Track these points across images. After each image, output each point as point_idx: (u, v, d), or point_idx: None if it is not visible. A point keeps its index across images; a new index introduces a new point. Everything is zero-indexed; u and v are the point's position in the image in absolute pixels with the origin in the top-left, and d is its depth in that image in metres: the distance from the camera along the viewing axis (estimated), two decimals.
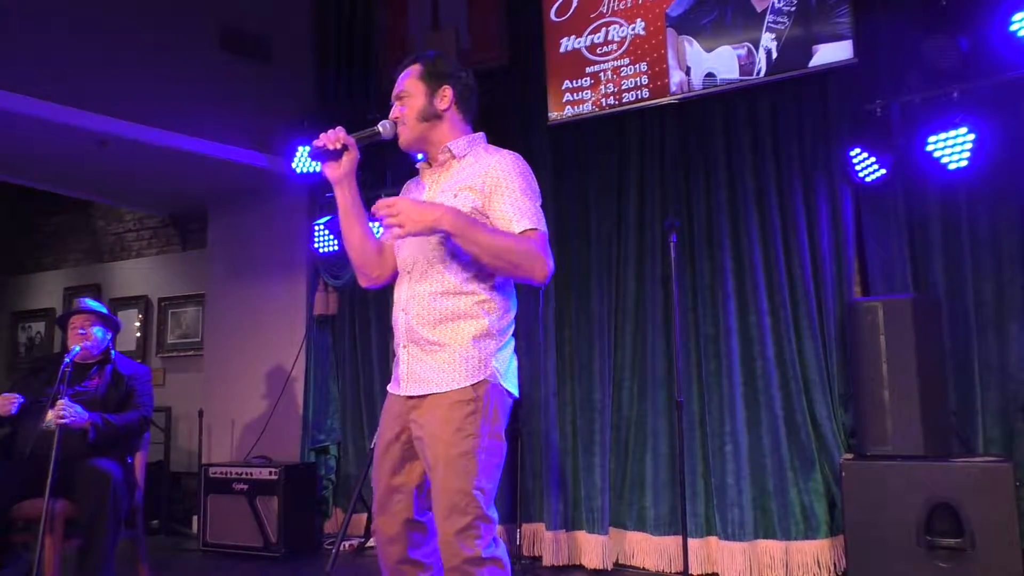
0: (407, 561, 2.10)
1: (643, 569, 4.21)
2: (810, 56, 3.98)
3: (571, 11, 4.67)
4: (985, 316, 3.70)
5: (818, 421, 3.93)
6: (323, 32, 5.73)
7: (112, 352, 3.81)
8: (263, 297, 5.79)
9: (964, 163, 3.58)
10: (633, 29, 4.48)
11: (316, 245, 5.21)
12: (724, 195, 4.26)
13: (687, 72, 4.31)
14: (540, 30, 4.76)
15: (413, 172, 2.38)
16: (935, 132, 3.61)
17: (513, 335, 2.16)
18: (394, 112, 2.20)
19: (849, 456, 3.59)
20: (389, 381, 2.23)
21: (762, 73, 4.10)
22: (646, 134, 4.52)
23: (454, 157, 2.18)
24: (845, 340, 3.85)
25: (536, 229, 2.03)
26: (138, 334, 6.80)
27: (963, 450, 3.60)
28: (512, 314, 2.14)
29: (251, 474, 4.91)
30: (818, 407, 3.94)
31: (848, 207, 4.01)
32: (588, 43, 4.61)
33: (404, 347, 2.13)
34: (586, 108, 4.57)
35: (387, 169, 5.05)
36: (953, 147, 3.57)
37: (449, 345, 2.04)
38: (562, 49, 4.68)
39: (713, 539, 4.07)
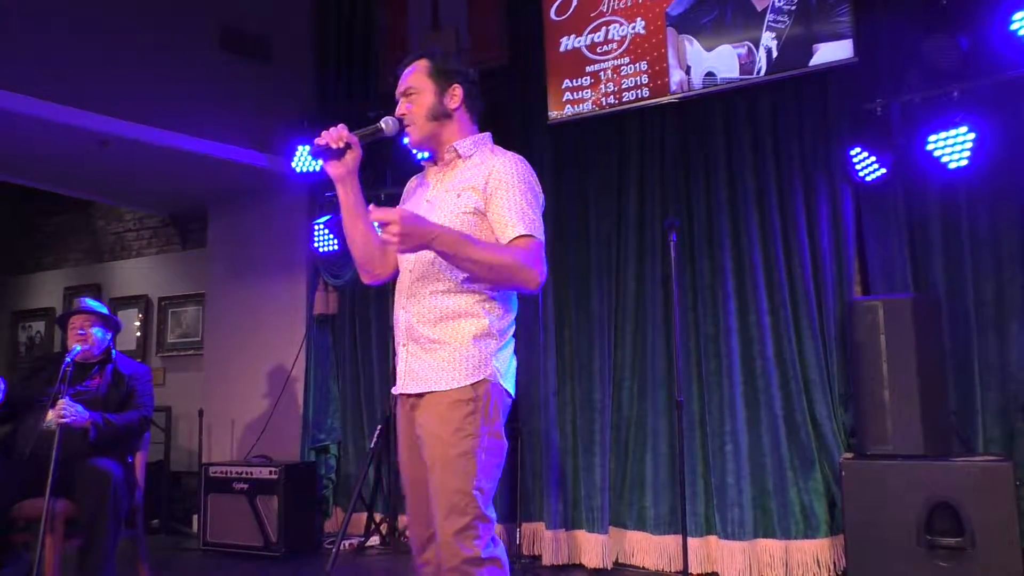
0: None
1: (643, 568, 4.22)
2: (810, 55, 3.98)
3: (571, 10, 4.67)
4: (985, 316, 3.70)
5: (818, 420, 3.93)
6: (323, 32, 5.73)
7: (113, 352, 3.81)
8: (263, 296, 5.79)
9: (964, 162, 3.58)
10: (633, 28, 4.48)
11: (316, 244, 5.21)
12: (724, 194, 4.26)
13: (687, 71, 4.30)
14: (540, 29, 4.76)
15: (413, 171, 2.38)
16: (935, 131, 3.61)
17: (514, 335, 2.15)
18: (400, 108, 2.17)
19: (849, 455, 3.59)
20: (389, 380, 2.23)
21: (762, 72, 4.10)
22: (646, 133, 4.52)
23: (460, 157, 2.17)
24: (845, 340, 3.85)
25: (531, 236, 2.01)
26: (138, 334, 6.80)
27: (963, 450, 3.60)
28: (513, 315, 2.14)
29: (251, 473, 4.91)
30: (818, 407, 3.94)
31: (848, 206, 4.01)
32: (588, 42, 4.61)
33: (404, 345, 2.12)
34: (586, 107, 4.57)
35: (387, 168, 5.05)
36: (953, 146, 3.58)
37: (449, 344, 2.03)
38: (562, 48, 4.68)
39: (713, 538, 4.07)
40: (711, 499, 4.09)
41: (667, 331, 4.27)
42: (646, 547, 4.22)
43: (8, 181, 5.76)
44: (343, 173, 2.16)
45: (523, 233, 2.01)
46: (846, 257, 3.98)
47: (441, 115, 2.16)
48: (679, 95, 4.32)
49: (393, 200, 2.43)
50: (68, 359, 3.39)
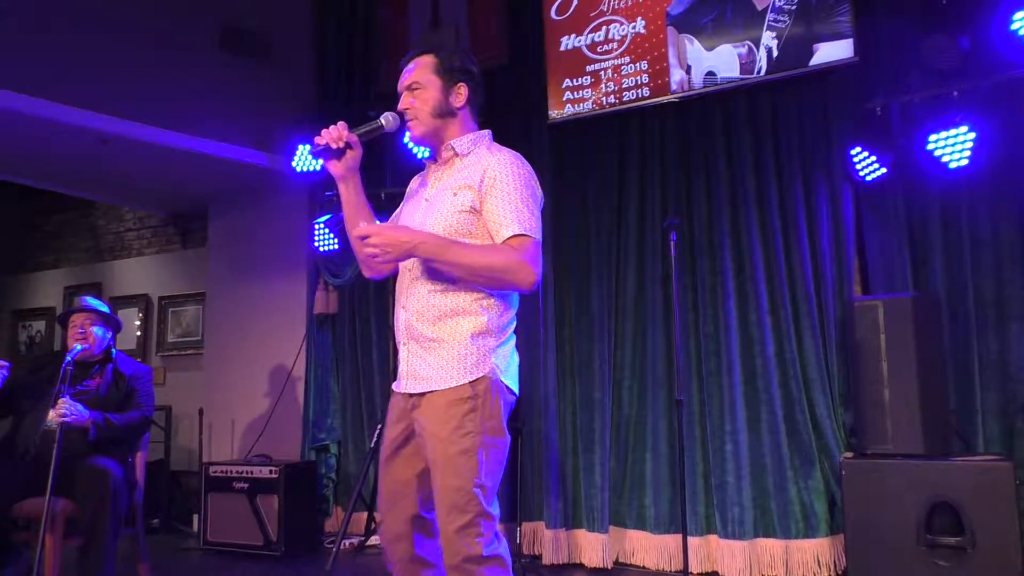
0: (415, 559, 2.09)
1: (643, 568, 4.22)
2: (811, 55, 3.98)
3: (571, 10, 4.67)
4: (985, 315, 3.70)
5: (818, 420, 3.93)
6: (323, 31, 5.73)
7: (113, 351, 3.80)
8: (263, 296, 5.79)
9: (964, 162, 3.57)
10: (633, 28, 4.48)
11: (316, 244, 5.20)
12: (724, 194, 4.26)
13: (687, 71, 4.30)
14: (540, 29, 4.76)
15: (414, 170, 2.38)
16: (936, 131, 3.61)
17: (515, 332, 2.15)
18: (404, 103, 2.16)
19: (849, 455, 3.59)
20: (390, 380, 2.23)
21: (763, 72, 4.10)
22: (646, 133, 4.52)
23: (457, 155, 2.17)
24: (845, 339, 3.85)
25: (526, 235, 2.00)
26: (138, 333, 6.80)
27: (963, 449, 3.60)
28: (513, 312, 2.13)
29: (251, 473, 4.91)
30: (818, 406, 3.94)
31: (848, 206, 4.01)
32: (588, 42, 4.61)
33: (404, 344, 2.12)
34: (586, 107, 4.57)
35: (387, 167, 5.05)
36: (953, 146, 3.57)
37: (448, 342, 2.03)
38: (562, 48, 4.68)
39: (713, 538, 4.07)
40: (711, 498, 4.09)
41: (667, 330, 4.27)
42: (646, 546, 4.22)
43: (9, 180, 5.76)
44: (344, 171, 2.17)
45: (517, 232, 2.00)
46: (846, 257, 3.98)
47: (445, 112, 2.15)
48: (679, 94, 4.32)
49: (395, 198, 2.43)
50: (68, 358, 3.39)
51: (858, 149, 3.84)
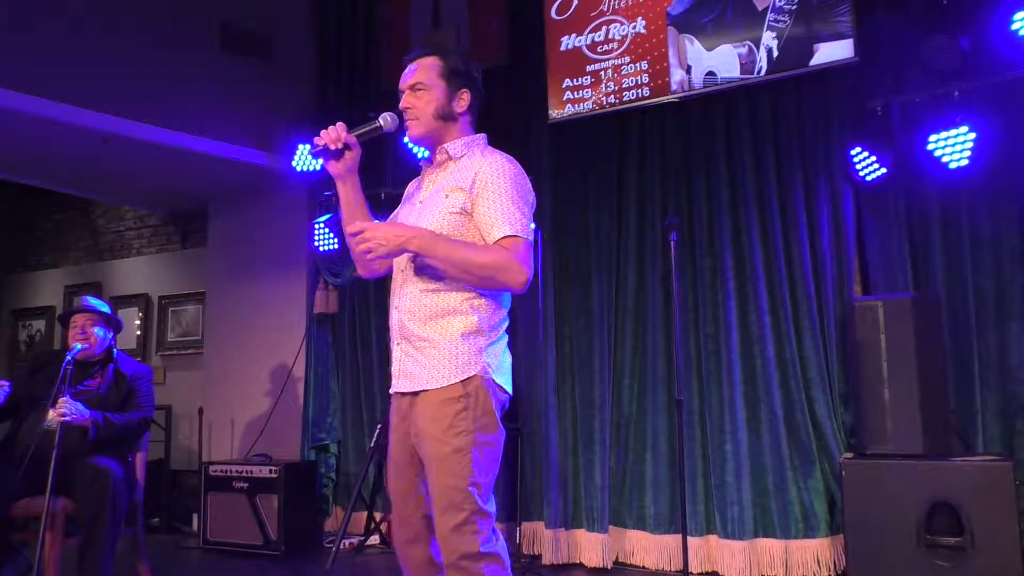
0: (431, 563, 2.09)
1: (643, 568, 4.22)
2: (811, 55, 3.98)
3: (572, 10, 4.67)
4: (985, 316, 3.70)
5: (818, 420, 3.93)
6: (323, 31, 5.73)
7: (114, 351, 3.80)
8: (263, 295, 5.79)
9: (965, 162, 3.57)
10: (634, 28, 4.48)
11: (316, 243, 5.21)
12: (724, 193, 4.26)
13: (688, 71, 4.30)
14: (541, 29, 4.77)
15: (413, 171, 2.38)
16: (936, 131, 3.61)
17: (507, 331, 2.16)
18: (405, 101, 2.17)
19: (849, 455, 3.59)
20: (389, 379, 2.23)
21: (763, 72, 4.10)
22: (647, 133, 4.52)
23: (451, 158, 2.18)
24: (845, 339, 3.85)
25: (516, 236, 2.01)
26: (138, 332, 6.80)
27: (963, 449, 3.60)
28: (504, 311, 2.14)
29: (251, 472, 4.91)
30: (818, 406, 3.94)
31: (848, 206, 4.01)
32: (589, 42, 4.61)
33: (398, 344, 2.14)
34: (587, 107, 4.57)
35: (386, 167, 5.05)
36: (954, 146, 3.57)
37: (438, 341, 2.04)
38: (563, 48, 4.68)
39: (713, 537, 4.07)
40: (711, 498, 4.09)
41: (667, 330, 4.27)
42: (646, 546, 4.22)
43: (8, 179, 5.76)
44: (343, 172, 2.18)
45: (508, 234, 2.01)
46: (846, 257, 3.98)
47: (447, 116, 2.16)
48: (680, 95, 4.32)
49: (394, 199, 2.44)
50: (69, 358, 3.39)
51: (858, 149, 3.84)
